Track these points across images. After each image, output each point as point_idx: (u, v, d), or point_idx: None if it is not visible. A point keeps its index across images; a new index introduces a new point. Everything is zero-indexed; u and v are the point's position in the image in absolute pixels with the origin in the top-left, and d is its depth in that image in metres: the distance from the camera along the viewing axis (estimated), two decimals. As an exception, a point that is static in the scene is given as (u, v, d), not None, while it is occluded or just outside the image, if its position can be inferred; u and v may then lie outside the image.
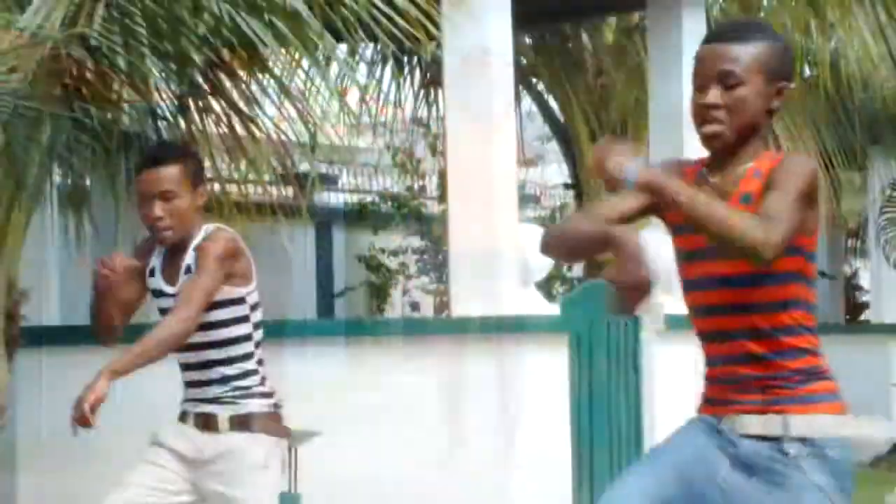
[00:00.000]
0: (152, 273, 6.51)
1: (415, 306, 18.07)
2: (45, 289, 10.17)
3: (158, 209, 6.24)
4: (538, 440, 9.51)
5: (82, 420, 5.89)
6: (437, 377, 9.09)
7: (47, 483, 9.46)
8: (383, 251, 17.53)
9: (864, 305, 22.03)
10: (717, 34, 4.70)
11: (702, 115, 4.32)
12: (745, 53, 4.30)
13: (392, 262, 17.99)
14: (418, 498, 8.32)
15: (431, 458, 8.96)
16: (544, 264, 10.97)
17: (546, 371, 9.90)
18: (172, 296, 6.41)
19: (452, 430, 9.00)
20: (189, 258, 6.38)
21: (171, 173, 6.39)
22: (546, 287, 14.46)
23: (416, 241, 17.45)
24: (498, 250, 10.26)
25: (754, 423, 4.37)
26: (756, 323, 4.40)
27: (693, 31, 11.26)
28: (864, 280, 21.78)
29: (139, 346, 6.31)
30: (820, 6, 12.38)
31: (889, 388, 15.33)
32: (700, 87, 4.35)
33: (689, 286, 4.53)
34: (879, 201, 19.43)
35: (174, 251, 6.40)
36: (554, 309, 11.11)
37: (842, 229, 20.99)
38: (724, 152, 4.39)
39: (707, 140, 4.37)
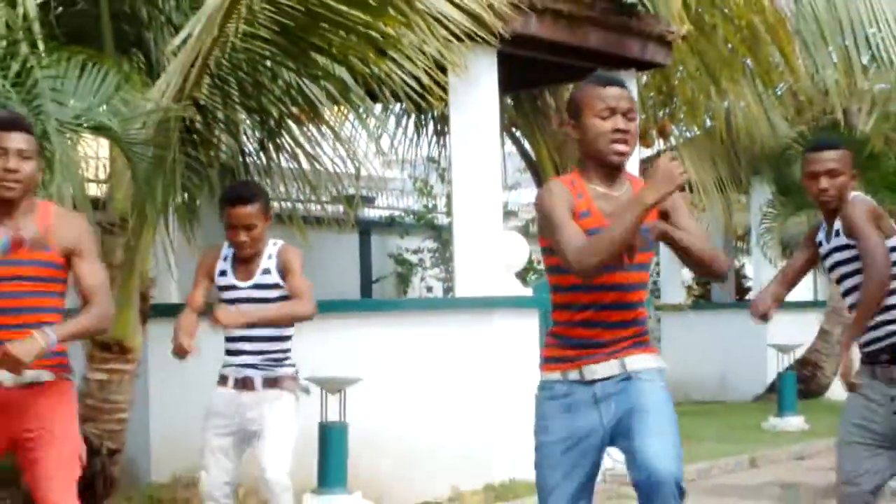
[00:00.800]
0: (223, 273, 6.49)
1: (429, 289, 18.07)
2: (166, 276, 10.14)
3: (243, 236, 6.29)
4: (516, 381, 9.56)
5: (179, 349, 5.97)
6: (446, 339, 9.14)
7: (174, 420, 9.44)
8: (407, 250, 17.52)
9: (748, 289, 22.05)
10: (616, 81, 4.54)
11: (616, 138, 4.23)
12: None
13: (413, 258, 17.96)
14: (428, 423, 8.36)
15: (441, 395, 8.98)
16: (521, 260, 11.04)
17: (522, 335, 9.98)
18: (244, 288, 6.38)
19: (457, 376, 9.05)
20: (267, 263, 6.38)
21: (252, 210, 6.38)
22: (522, 276, 14.46)
23: (430, 243, 17.46)
24: (488, 250, 10.32)
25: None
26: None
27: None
28: (748, 271, 21.75)
29: (276, 310, 6.39)
30: (717, 79, 12.32)
31: (765, 348, 15.28)
32: (609, 116, 4.22)
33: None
34: (759, 215, 19.47)
35: (245, 258, 6.40)
36: (528, 291, 11.17)
37: (733, 235, 20.95)
38: (618, 170, 4.39)
39: (620, 156, 4.31)
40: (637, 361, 4.37)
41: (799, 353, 15.47)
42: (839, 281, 5.77)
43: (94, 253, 5.22)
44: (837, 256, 5.57)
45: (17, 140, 4.88)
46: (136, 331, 8.54)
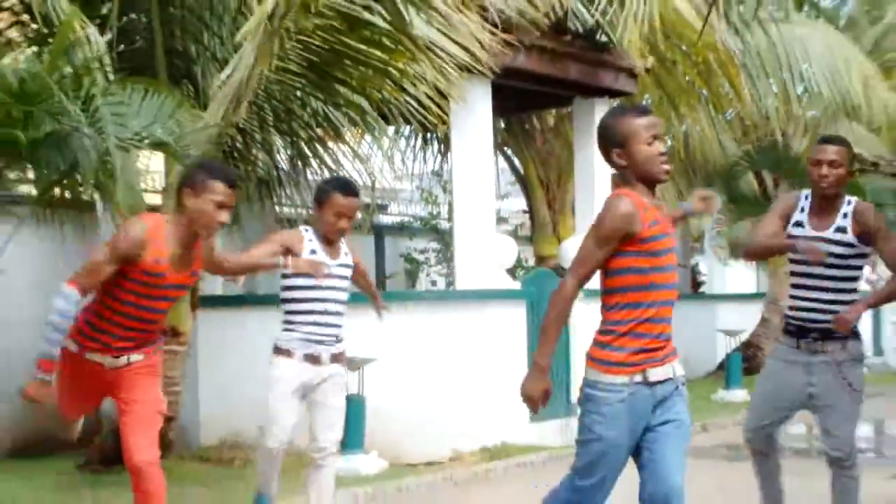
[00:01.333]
0: (313, 252, 6.05)
1: (433, 283, 18.00)
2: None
3: (346, 223, 5.99)
4: (506, 359, 9.54)
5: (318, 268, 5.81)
6: (447, 325, 9.12)
7: (219, 393, 9.43)
8: (415, 250, 17.48)
9: (702, 283, 22.04)
10: (649, 110, 4.48)
11: (664, 160, 4.12)
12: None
13: (420, 257, 17.90)
14: (432, 395, 8.34)
15: (443, 371, 8.93)
16: (510, 259, 11.00)
17: (511, 322, 10.01)
18: (333, 266, 6.03)
19: (457, 355, 9.00)
20: (345, 248, 6.16)
21: (359, 203, 6.34)
22: (511, 272, 14.40)
23: (434, 245, 17.42)
24: (483, 250, 10.28)
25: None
26: None
27: (599, 119, 11.29)
28: (702, 267, 21.71)
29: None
30: (676, 106, 12.27)
31: (715, 333, 15.24)
32: (653, 142, 4.10)
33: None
34: (711, 221, 19.42)
35: (330, 241, 6.04)
36: (516, 285, 11.10)
37: (690, 237, 20.92)
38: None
39: (667, 174, 4.21)
40: (679, 367, 4.28)
41: (743, 337, 15.46)
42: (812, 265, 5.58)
43: None
44: (834, 249, 5.44)
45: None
46: (187, 318, 8.55)
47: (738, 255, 22.23)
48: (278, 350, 6.07)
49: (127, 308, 4.94)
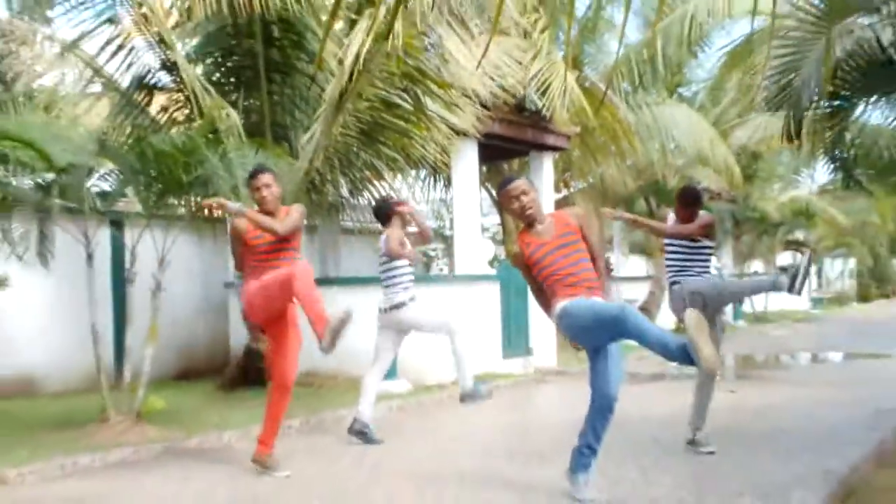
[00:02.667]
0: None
1: (441, 270, 18.02)
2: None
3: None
4: (487, 318, 9.55)
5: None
6: (451, 297, 9.02)
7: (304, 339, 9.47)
8: (429, 249, 17.49)
9: (612, 269, 21.95)
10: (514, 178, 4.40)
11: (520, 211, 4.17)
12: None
13: (432, 254, 17.95)
14: (441, 340, 8.46)
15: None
16: (489, 255, 11.02)
17: (490, 295, 9.90)
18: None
19: (456, 314, 8.95)
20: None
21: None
22: (491, 262, 14.43)
23: (441, 245, 17.44)
24: (472, 250, 10.29)
25: None
26: None
27: (548, 168, 11.28)
28: (612, 261, 21.65)
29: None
30: (595, 156, 12.27)
31: (622, 302, 15.28)
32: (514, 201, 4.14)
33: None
34: (619, 230, 19.39)
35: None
36: (493, 272, 11.12)
37: (605, 240, 20.90)
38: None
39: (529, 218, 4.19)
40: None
41: (638, 303, 15.39)
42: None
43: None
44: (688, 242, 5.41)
45: (264, 178, 5.03)
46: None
47: (636, 251, 22.23)
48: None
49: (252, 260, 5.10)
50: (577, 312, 3.98)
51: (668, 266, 5.56)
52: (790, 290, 5.14)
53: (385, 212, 6.31)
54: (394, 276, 6.17)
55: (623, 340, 4.06)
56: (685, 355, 3.71)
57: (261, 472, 4.99)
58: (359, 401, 6.15)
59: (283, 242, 5.04)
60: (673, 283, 5.46)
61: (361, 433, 6.02)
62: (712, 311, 5.24)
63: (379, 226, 6.53)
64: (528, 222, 4.20)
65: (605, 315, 3.88)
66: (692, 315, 3.82)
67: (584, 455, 4.18)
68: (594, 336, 4.04)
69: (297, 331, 5.17)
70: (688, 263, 5.40)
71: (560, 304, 4.04)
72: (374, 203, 6.86)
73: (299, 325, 5.16)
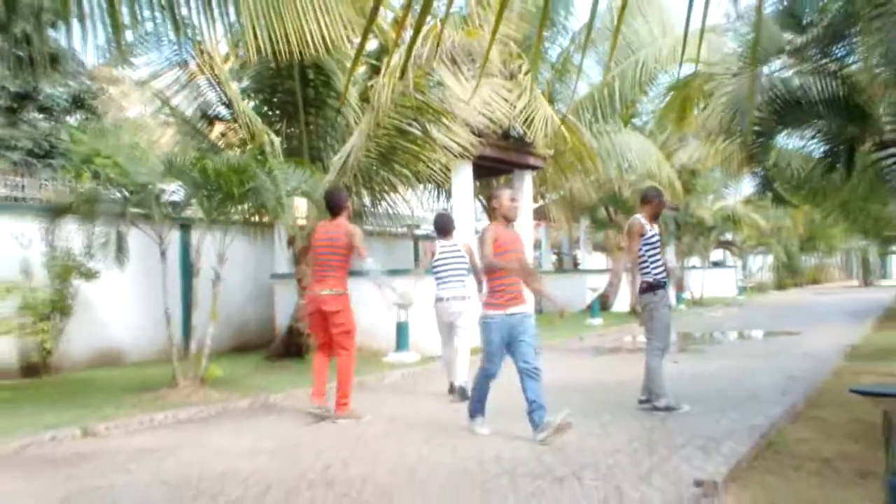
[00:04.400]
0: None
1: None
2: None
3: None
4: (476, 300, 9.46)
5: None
6: None
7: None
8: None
9: (578, 263, 21.79)
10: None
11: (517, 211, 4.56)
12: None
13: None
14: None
15: None
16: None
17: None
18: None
19: None
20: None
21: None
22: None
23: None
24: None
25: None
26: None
27: (528, 183, 11.19)
28: (579, 256, 21.52)
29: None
30: (565, 173, 12.20)
31: (586, 289, 15.07)
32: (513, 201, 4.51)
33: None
34: (584, 232, 19.30)
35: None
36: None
37: (573, 240, 20.75)
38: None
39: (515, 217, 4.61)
40: (526, 307, 4.52)
41: (599, 291, 15.21)
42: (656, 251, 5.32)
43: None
44: (656, 241, 5.28)
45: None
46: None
47: (599, 249, 22.16)
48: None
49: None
50: (494, 322, 4.46)
51: (658, 264, 5.22)
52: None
53: (443, 225, 6.31)
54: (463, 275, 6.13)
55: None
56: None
57: (345, 420, 5.12)
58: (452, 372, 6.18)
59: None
60: (656, 284, 5.15)
61: (457, 390, 6.04)
62: None
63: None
64: (509, 220, 4.59)
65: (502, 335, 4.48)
66: None
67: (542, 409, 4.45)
68: (496, 338, 4.49)
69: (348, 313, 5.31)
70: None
71: (486, 312, 4.50)
72: (437, 214, 6.66)
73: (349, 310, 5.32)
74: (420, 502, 3.31)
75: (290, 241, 8.74)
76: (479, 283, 5.58)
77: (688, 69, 14.13)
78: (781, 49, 5.26)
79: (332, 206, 5.49)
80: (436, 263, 6.15)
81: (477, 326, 4.65)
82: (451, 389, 6.12)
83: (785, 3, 4.96)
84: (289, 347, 8.47)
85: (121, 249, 6.60)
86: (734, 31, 5.64)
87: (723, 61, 5.87)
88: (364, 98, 8.88)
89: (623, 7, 1.56)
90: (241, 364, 8.08)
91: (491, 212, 4.62)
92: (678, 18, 13.08)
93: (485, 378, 4.62)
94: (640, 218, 5.33)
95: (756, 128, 5.53)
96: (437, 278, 6.14)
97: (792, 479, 3.49)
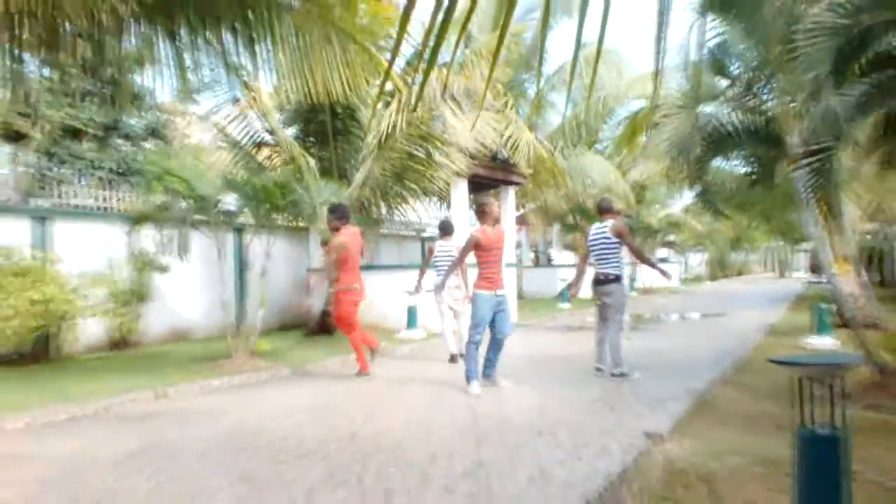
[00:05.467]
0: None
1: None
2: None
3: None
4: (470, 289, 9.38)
5: None
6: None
7: (372, 302, 9.35)
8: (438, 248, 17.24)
9: (552, 259, 21.71)
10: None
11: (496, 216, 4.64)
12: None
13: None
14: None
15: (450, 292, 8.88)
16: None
17: (472, 274, 9.66)
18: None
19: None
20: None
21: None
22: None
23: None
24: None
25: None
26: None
27: (511, 196, 11.12)
28: (552, 253, 21.42)
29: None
30: (542, 187, 12.13)
31: (557, 280, 15.00)
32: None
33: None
34: (557, 233, 19.16)
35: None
36: (474, 260, 10.94)
37: (547, 241, 20.69)
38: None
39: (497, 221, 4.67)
40: (504, 290, 4.64)
41: (567, 280, 15.21)
42: (600, 250, 5.23)
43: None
44: (603, 241, 5.21)
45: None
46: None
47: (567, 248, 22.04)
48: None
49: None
50: (482, 298, 4.58)
51: (615, 262, 5.13)
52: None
53: (445, 228, 6.19)
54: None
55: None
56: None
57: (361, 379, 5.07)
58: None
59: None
60: (620, 276, 5.06)
61: (454, 358, 6.05)
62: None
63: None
64: (493, 223, 4.70)
65: (488, 310, 4.59)
66: None
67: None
68: (484, 313, 4.63)
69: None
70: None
71: (477, 291, 4.60)
72: (442, 221, 6.49)
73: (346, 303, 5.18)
74: (426, 450, 3.30)
75: (323, 242, 8.72)
76: (460, 272, 5.64)
77: (637, 105, 14.15)
78: (714, 95, 5.27)
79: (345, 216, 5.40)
80: (435, 260, 6.20)
81: (469, 305, 4.69)
82: (452, 359, 6.14)
83: (715, 56, 4.99)
84: (322, 327, 8.47)
85: (185, 248, 6.60)
86: (682, 72, 5.64)
87: (665, 99, 5.85)
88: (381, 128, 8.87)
89: (596, 61, 1.55)
90: (284, 340, 8.04)
91: (481, 216, 4.68)
92: (630, 64, 13.24)
93: (474, 347, 4.66)
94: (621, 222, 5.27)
95: (698, 151, 5.52)
96: (436, 271, 6.16)
97: (722, 431, 3.48)
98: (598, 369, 5.30)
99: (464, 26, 1.25)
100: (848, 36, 3.65)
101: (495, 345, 4.70)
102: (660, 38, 0.87)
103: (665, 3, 0.85)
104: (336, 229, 5.34)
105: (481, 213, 4.71)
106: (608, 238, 5.18)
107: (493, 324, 4.62)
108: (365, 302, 5.64)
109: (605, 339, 5.24)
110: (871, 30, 3.63)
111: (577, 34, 0.91)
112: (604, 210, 5.31)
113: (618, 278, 5.16)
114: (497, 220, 4.75)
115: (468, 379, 4.73)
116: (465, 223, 10.34)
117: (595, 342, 5.40)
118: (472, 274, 5.11)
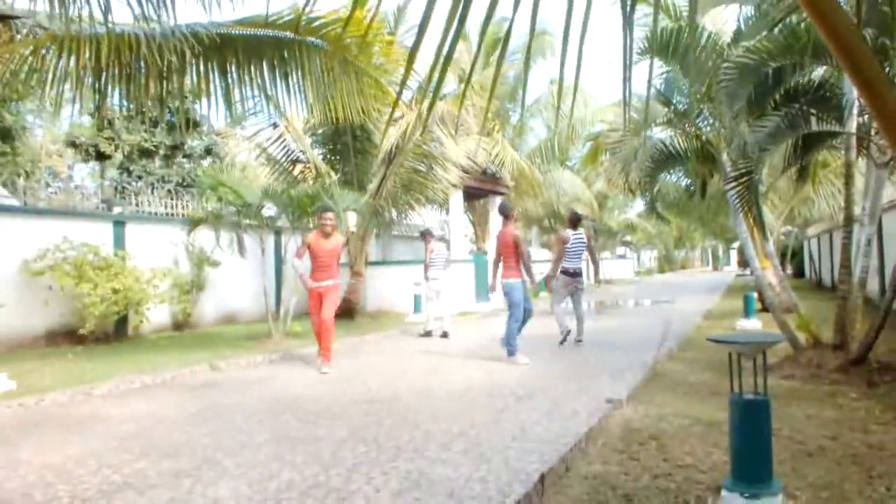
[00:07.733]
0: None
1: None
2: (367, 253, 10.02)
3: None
4: (466, 282, 9.35)
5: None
6: (450, 271, 8.86)
7: (376, 292, 9.21)
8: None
9: (531, 256, 21.49)
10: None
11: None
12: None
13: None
14: (444, 294, 8.36)
15: (447, 285, 8.64)
16: (468, 249, 10.71)
17: (468, 270, 9.55)
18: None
19: (452, 280, 8.57)
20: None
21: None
22: (469, 252, 14.21)
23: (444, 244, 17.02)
24: (460, 246, 10.05)
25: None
26: None
27: (497, 204, 11.10)
28: (531, 253, 21.23)
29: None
30: (523, 196, 12.05)
31: (536, 275, 14.90)
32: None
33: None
34: (537, 234, 19.07)
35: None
36: (470, 257, 10.88)
37: (528, 241, 20.57)
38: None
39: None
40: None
41: (545, 274, 15.15)
42: (576, 252, 5.56)
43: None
44: (580, 245, 5.50)
45: (330, 216, 4.74)
46: (363, 267, 8.38)
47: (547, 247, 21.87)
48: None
49: (315, 263, 4.65)
50: (516, 286, 4.62)
51: (582, 259, 5.53)
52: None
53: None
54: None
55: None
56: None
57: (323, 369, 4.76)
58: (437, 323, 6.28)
59: (330, 258, 4.62)
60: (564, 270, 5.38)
61: (445, 335, 6.14)
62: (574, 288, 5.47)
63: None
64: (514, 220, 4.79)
65: (521, 294, 4.64)
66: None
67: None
68: (519, 296, 4.66)
69: (335, 292, 4.70)
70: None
71: (508, 281, 4.63)
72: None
73: (338, 287, 4.74)
74: (428, 413, 3.29)
75: (346, 242, 8.64)
76: (522, 265, 4.73)
77: (599, 128, 14.15)
78: (660, 122, 5.30)
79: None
80: (432, 257, 6.40)
81: (501, 292, 4.73)
82: (444, 335, 6.28)
83: (661, 90, 5.02)
84: (345, 311, 8.46)
85: (242, 246, 6.58)
86: (636, 101, 5.67)
87: (620, 125, 5.90)
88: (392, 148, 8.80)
89: (573, 97, 1.53)
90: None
91: (508, 219, 4.74)
92: (593, 96, 13.18)
93: (515, 323, 4.71)
94: (566, 231, 5.62)
95: (646, 166, 5.56)
96: (433, 266, 6.38)
97: (670, 396, 3.48)
98: (578, 341, 5.48)
99: (468, 80, 1.28)
100: (762, 75, 3.79)
101: (526, 317, 4.76)
102: (626, 79, 0.91)
103: (627, 56, 0.88)
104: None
105: (513, 216, 4.79)
106: (583, 242, 5.58)
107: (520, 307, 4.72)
108: (378, 290, 5.59)
109: (582, 318, 5.59)
110: (782, 70, 3.72)
111: (559, 74, 0.97)
112: (576, 221, 5.64)
113: (582, 271, 5.61)
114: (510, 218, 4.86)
115: (512, 353, 4.68)
116: (460, 226, 10.30)
117: (575, 320, 5.65)
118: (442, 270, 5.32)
